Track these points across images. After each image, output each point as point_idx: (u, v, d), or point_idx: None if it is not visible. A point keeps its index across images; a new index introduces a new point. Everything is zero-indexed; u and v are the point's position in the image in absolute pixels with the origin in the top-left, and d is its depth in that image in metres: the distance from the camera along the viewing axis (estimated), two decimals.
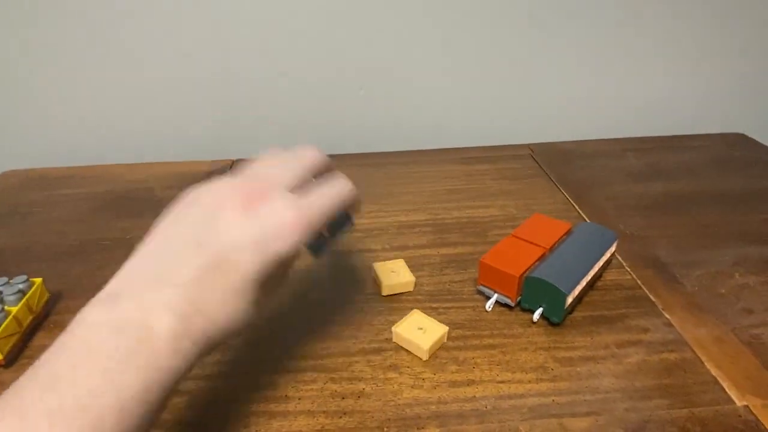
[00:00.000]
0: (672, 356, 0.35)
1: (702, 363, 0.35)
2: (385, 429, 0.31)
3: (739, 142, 0.70)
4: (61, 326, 0.41)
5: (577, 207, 0.54)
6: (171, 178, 0.63)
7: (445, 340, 0.37)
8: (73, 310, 0.43)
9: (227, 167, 0.66)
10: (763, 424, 0.30)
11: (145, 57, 0.66)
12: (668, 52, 0.71)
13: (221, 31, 0.65)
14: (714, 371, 0.34)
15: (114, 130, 0.71)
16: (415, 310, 0.39)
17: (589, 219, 0.52)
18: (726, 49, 0.72)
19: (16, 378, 0.35)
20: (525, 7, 0.66)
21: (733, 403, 0.32)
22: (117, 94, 0.68)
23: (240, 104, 0.70)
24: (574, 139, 0.71)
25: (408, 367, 0.35)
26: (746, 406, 0.32)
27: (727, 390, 0.33)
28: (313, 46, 0.67)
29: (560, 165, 0.64)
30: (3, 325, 0.36)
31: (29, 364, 0.37)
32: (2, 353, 0.36)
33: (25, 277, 0.40)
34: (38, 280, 0.41)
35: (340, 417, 0.31)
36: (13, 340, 0.37)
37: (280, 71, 0.68)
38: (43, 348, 0.38)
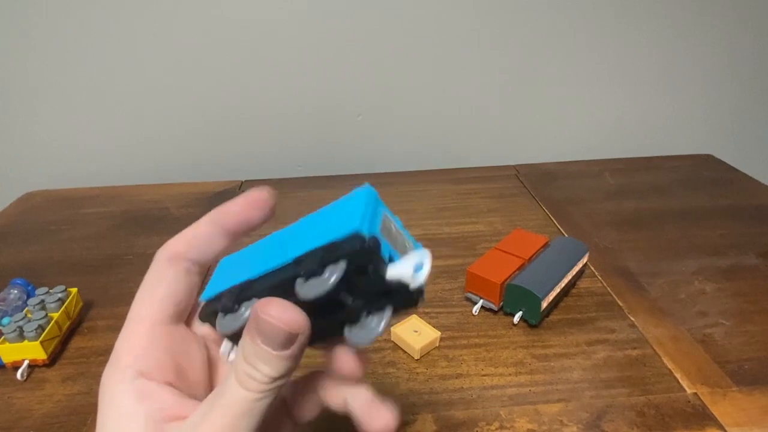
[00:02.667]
0: (634, 352, 0.41)
1: (659, 358, 0.40)
2: None
3: (707, 162, 0.76)
4: (94, 331, 0.46)
5: (556, 223, 0.60)
6: (185, 198, 0.69)
7: (437, 344, 0.42)
8: (104, 317, 0.48)
9: (236, 188, 0.71)
10: (708, 408, 0.35)
11: (158, 88, 0.72)
12: (646, 79, 0.78)
13: (232, 64, 0.71)
14: (669, 365, 0.39)
15: (129, 153, 0.76)
16: (414, 315, 0.44)
17: (567, 234, 0.57)
18: (700, 76, 0.79)
19: (58, 375, 0.40)
20: (512, 46, 0.73)
21: (684, 391, 0.37)
22: (133, 120, 0.74)
23: (248, 130, 0.76)
24: (556, 160, 0.77)
25: (404, 364, 0.40)
26: (695, 394, 0.37)
27: (679, 380, 0.38)
28: (317, 75, 0.73)
29: (542, 184, 0.70)
30: (47, 329, 0.41)
31: (68, 363, 0.42)
32: (46, 353, 0.40)
33: (63, 287, 0.45)
34: (74, 290, 0.46)
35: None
36: (55, 342, 0.42)
37: (286, 101, 0.74)
38: (78, 350, 0.43)
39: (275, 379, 0.19)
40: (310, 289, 0.17)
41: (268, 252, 0.20)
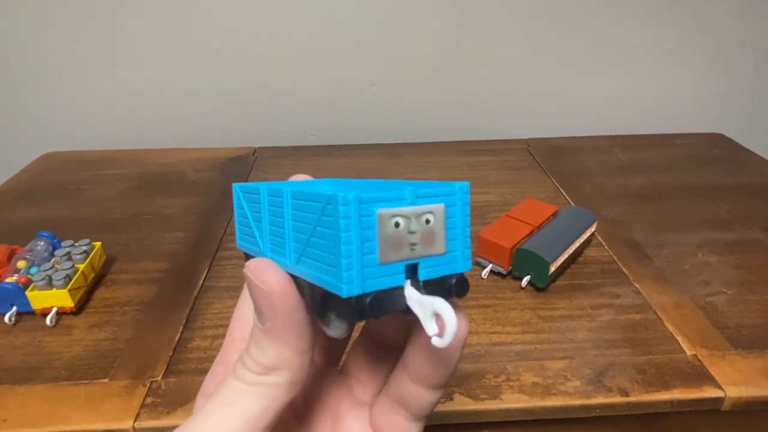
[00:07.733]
0: (637, 317, 0.42)
1: (662, 322, 0.42)
2: None
3: (717, 141, 0.76)
4: (117, 284, 0.48)
5: (566, 195, 0.61)
6: (200, 162, 0.70)
7: None
8: (126, 271, 0.50)
9: (250, 154, 0.72)
10: (706, 368, 0.37)
11: (174, 55, 0.73)
12: (660, 57, 0.78)
13: (248, 33, 0.72)
14: (671, 329, 0.41)
15: (146, 118, 0.77)
16: None
17: (576, 205, 0.58)
18: (714, 56, 0.79)
19: (84, 323, 0.42)
20: (525, 21, 0.73)
21: (684, 352, 0.39)
22: (150, 86, 0.75)
23: (263, 99, 0.77)
24: (567, 135, 0.78)
25: None
26: (694, 355, 0.38)
27: (680, 343, 0.39)
28: (332, 45, 0.73)
29: (553, 158, 0.70)
30: (74, 279, 0.43)
31: (94, 312, 0.44)
32: (74, 301, 0.42)
33: (88, 240, 0.47)
34: (98, 244, 0.47)
35: None
36: (81, 291, 0.44)
37: (300, 70, 0.75)
38: (103, 300, 0.45)
39: (268, 370, 0.16)
40: (329, 330, 0.17)
41: (275, 238, 0.18)
